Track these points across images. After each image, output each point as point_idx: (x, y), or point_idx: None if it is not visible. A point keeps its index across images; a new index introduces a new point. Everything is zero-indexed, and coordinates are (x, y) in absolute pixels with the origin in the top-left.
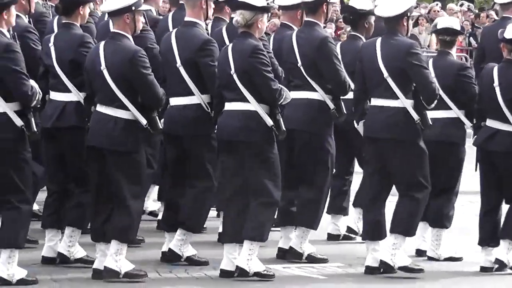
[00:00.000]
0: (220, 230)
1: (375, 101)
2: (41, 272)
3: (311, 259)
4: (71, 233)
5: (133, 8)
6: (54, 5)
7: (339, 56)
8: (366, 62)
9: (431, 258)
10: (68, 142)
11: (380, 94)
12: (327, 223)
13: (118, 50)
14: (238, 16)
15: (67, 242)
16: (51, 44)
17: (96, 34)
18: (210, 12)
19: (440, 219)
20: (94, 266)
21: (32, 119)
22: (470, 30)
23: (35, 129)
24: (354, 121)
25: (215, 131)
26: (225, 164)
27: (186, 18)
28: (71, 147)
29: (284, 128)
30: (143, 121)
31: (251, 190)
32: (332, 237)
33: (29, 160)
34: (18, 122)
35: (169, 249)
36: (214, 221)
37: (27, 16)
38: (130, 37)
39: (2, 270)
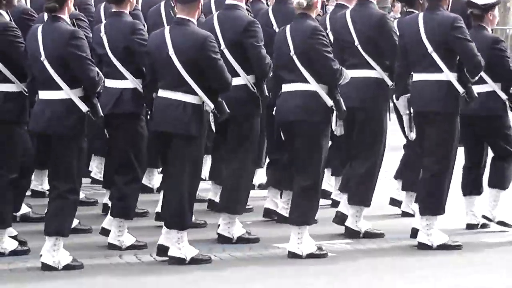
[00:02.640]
0: None
1: (417, 76)
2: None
3: (368, 235)
4: (119, 223)
5: None
6: None
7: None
8: (408, 38)
9: (485, 217)
10: (123, 129)
11: (423, 69)
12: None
13: (188, 36)
14: None
15: (117, 233)
16: (102, 34)
17: (148, 20)
18: None
19: (502, 181)
20: (160, 242)
21: (98, 104)
22: None
23: (101, 114)
24: (394, 97)
25: (273, 112)
26: (288, 146)
27: (227, 1)
28: (125, 134)
29: (344, 108)
30: (211, 105)
31: (296, 168)
32: (394, 202)
33: (85, 150)
34: (84, 108)
35: (218, 234)
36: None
37: None
38: (196, 22)
39: (48, 258)
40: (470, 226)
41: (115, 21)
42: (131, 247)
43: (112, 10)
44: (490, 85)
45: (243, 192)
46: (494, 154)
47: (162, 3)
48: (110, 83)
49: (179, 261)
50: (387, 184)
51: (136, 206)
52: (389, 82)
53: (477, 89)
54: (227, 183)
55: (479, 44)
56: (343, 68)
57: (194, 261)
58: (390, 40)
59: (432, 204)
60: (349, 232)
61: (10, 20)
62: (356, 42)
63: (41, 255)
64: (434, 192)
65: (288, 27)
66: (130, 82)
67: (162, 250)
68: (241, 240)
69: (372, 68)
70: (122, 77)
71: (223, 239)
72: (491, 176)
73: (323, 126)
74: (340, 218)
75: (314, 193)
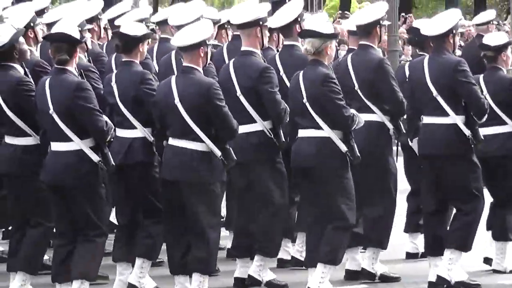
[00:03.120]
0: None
1: (426, 119)
2: None
3: (384, 279)
4: (141, 264)
5: (207, 41)
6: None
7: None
8: (414, 81)
9: (496, 271)
10: (136, 178)
11: (430, 112)
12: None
13: (193, 84)
14: (307, 45)
15: (138, 274)
16: (113, 83)
17: (159, 68)
18: (266, 40)
19: (504, 232)
20: None
21: (109, 153)
22: None
23: (113, 163)
24: (408, 139)
25: (291, 158)
26: (302, 191)
27: (243, 48)
28: (139, 182)
29: (358, 154)
30: (218, 153)
31: (327, 214)
32: (411, 256)
33: (104, 196)
34: (95, 158)
35: (249, 275)
36: None
37: (86, 55)
38: (201, 70)
39: None
40: (486, 260)
41: (125, 70)
42: None
43: (122, 60)
44: (511, 126)
45: (277, 235)
46: (495, 199)
47: (173, 52)
48: (121, 132)
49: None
50: (402, 225)
51: (160, 249)
52: (390, 126)
53: (496, 129)
54: (260, 227)
55: (496, 86)
56: (355, 114)
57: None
58: (387, 84)
59: (460, 239)
60: (365, 274)
61: (25, 73)
62: (356, 87)
63: None
64: (464, 228)
65: (301, 74)
66: (139, 132)
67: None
68: (269, 285)
69: (372, 112)
70: (132, 127)
71: (252, 281)
72: (493, 227)
73: (340, 171)
74: (351, 275)
75: (346, 235)
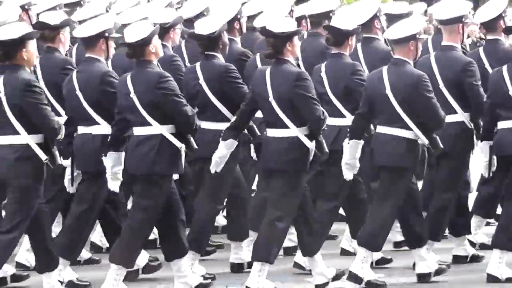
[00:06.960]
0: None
1: None
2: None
3: None
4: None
5: (417, 36)
6: None
7: None
8: None
9: None
10: (339, 164)
11: None
12: None
13: (403, 75)
14: (511, 40)
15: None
16: (322, 73)
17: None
18: (465, 36)
19: None
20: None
21: (323, 141)
22: None
23: (326, 150)
24: None
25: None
26: (502, 179)
27: (443, 43)
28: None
29: None
30: (426, 141)
31: None
32: None
33: (302, 186)
34: (309, 144)
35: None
36: None
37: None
38: (411, 62)
39: (253, 282)
40: None
41: (335, 62)
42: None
43: (332, 52)
44: None
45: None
46: None
47: (430, 38)
48: (329, 120)
49: (357, 279)
50: None
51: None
52: None
53: None
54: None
55: None
56: None
57: (369, 284)
58: None
59: None
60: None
61: None
62: None
63: None
64: None
65: (504, 68)
66: (348, 120)
67: (354, 277)
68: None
69: None
70: (341, 115)
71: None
72: None
73: None
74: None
75: None
